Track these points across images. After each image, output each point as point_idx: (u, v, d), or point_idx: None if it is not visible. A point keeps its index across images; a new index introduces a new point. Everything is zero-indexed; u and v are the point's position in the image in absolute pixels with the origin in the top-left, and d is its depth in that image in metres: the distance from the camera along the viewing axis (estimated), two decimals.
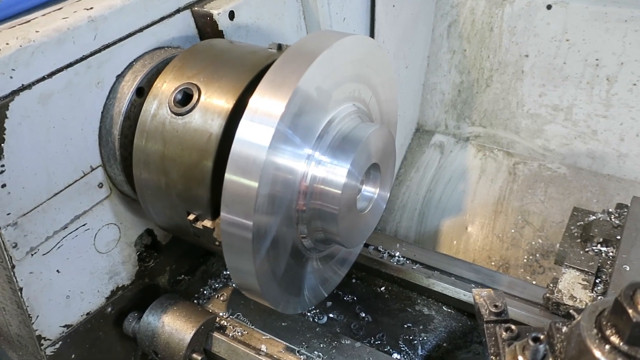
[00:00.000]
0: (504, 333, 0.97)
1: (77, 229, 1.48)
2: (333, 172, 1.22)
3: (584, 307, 1.52)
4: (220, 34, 1.66)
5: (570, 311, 0.85)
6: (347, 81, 1.33)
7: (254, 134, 1.10)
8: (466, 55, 2.81)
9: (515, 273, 2.49)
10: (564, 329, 0.88)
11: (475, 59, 2.79)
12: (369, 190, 1.40)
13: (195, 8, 1.66)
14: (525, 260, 2.52)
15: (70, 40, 1.35)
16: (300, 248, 1.33)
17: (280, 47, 1.42)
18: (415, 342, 1.70)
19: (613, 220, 1.88)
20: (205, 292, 1.92)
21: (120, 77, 1.48)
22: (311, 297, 1.53)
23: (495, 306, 1.06)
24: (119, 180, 1.51)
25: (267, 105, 1.12)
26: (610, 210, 1.95)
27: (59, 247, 1.45)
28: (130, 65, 1.50)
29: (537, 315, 1.58)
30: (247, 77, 1.29)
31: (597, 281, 1.58)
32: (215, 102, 1.28)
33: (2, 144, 1.26)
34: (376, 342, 1.71)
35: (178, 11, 1.62)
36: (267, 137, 1.09)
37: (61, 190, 1.42)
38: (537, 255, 2.52)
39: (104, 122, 1.46)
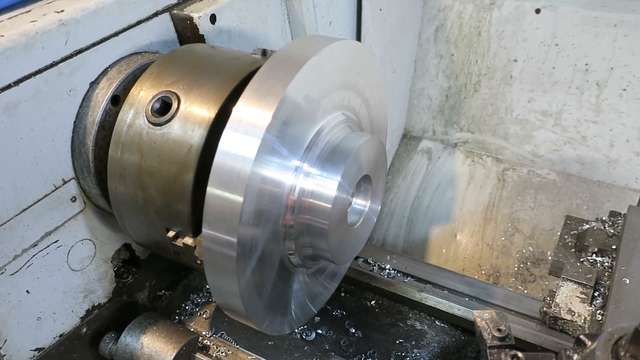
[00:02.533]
0: None
1: (48, 246, 1.39)
2: (323, 185, 1.15)
3: (583, 322, 1.46)
4: (201, 39, 1.58)
5: (581, 337, 0.79)
6: (336, 89, 1.26)
7: (239, 145, 1.02)
8: (454, 60, 2.77)
9: (506, 282, 2.44)
10: (575, 356, 0.81)
11: (463, 64, 2.75)
12: (360, 203, 1.33)
13: (175, 11, 1.58)
14: (516, 269, 2.48)
15: (39, 45, 1.26)
16: (288, 265, 1.25)
17: (265, 53, 1.35)
18: (408, 358, 1.63)
19: (607, 229, 1.84)
20: (187, 307, 1.83)
21: (94, 84, 1.39)
22: (300, 315, 1.45)
23: (499, 330, 0.99)
24: (93, 193, 1.42)
25: (252, 115, 1.04)
26: (603, 218, 1.91)
27: (28, 266, 1.35)
28: (104, 72, 1.41)
29: (534, 330, 1.52)
30: (230, 84, 1.21)
31: (596, 294, 1.53)
32: (195, 111, 1.19)
33: None
34: (367, 359, 1.64)
35: (156, 14, 1.54)
36: (252, 148, 1.01)
37: (30, 206, 1.32)
38: (528, 263, 2.47)
39: (77, 133, 1.37)
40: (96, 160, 1.37)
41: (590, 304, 1.50)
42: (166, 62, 1.33)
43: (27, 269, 1.35)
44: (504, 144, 2.77)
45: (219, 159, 1.03)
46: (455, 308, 1.63)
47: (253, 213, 1.06)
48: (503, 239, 2.58)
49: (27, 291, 1.36)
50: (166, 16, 1.57)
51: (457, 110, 2.84)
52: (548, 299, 1.53)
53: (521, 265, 2.48)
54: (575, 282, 1.54)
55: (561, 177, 2.64)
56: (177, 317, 1.78)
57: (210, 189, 1.03)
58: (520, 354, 0.91)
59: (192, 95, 1.22)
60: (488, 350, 0.96)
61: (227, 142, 1.03)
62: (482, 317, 1.03)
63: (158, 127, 1.21)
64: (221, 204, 1.02)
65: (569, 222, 1.94)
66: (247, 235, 1.05)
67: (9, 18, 1.29)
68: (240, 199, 1.01)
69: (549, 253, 2.44)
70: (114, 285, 1.61)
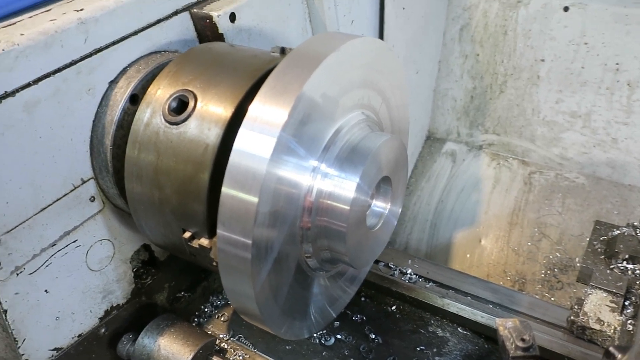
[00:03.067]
0: None
1: (67, 245, 1.38)
2: (341, 186, 1.12)
3: (612, 332, 1.40)
4: (220, 37, 1.56)
5: (610, 349, 0.74)
6: (355, 87, 1.22)
7: (254, 145, 1.00)
8: (479, 59, 2.71)
9: (532, 288, 2.37)
10: None
11: (489, 64, 2.69)
12: (380, 205, 1.29)
13: (194, 10, 1.56)
14: (542, 275, 2.40)
15: (59, 43, 1.26)
16: (305, 268, 1.23)
17: (283, 51, 1.32)
18: None
19: (639, 235, 1.77)
20: (206, 309, 1.82)
21: (113, 83, 1.38)
22: (319, 319, 1.42)
23: (523, 340, 0.95)
24: (111, 193, 1.41)
25: (268, 113, 1.02)
26: (635, 223, 1.83)
27: (47, 266, 1.35)
28: (123, 71, 1.40)
29: (561, 339, 1.46)
30: (247, 83, 1.19)
31: (626, 303, 1.46)
32: (212, 110, 1.18)
33: None
34: None
35: (176, 13, 1.53)
36: (268, 147, 0.99)
37: (49, 205, 1.32)
38: (555, 270, 2.39)
39: (96, 132, 1.37)
40: (114, 160, 1.36)
41: (621, 313, 1.43)
42: (184, 60, 1.32)
43: (45, 269, 1.35)
44: (531, 146, 2.70)
45: (234, 158, 1.01)
46: (478, 315, 1.58)
47: (268, 214, 1.03)
48: (529, 244, 2.51)
49: (45, 291, 1.36)
50: (186, 15, 1.56)
51: (482, 112, 2.78)
52: (576, 307, 1.47)
53: (548, 272, 2.40)
54: (605, 290, 1.48)
55: (590, 181, 2.56)
56: (196, 320, 1.77)
57: (225, 189, 1.01)
58: None
59: (208, 94, 1.20)
60: None
61: (243, 141, 1.01)
62: (505, 326, 0.98)
63: (174, 126, 1.20)
64: (236, 204, 1.00)
65: (598, 227, 1.87)
66: (262, 237, 1.03)
67: (30, 17, 1.30)
68: (255, 199, 0.98)
69: (577, 259, 2.36)
70: (132, 286, 1.60)
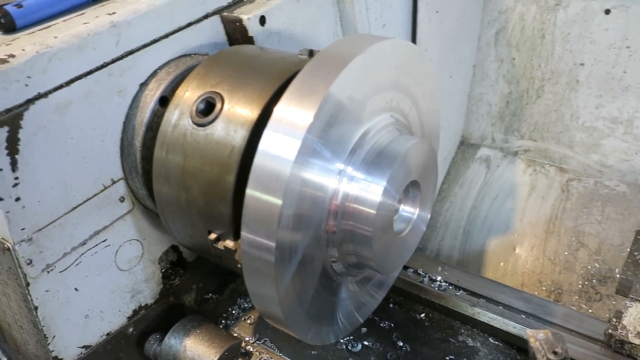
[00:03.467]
0: None
1: (96, 245, 1.41)
2: (367, 189, 1.10)
3: None
4: (250, 40, 1.57)
5: None
6: (384, 90, 1.20)
7: (279, 146, 0.99)
8: (515, 64, 2.64)
9: (568, 299, 2.29)
10: None
11: (525, 68, 2.62)
12: (408, 210, 1.26)
13: (225, 13, 1.57)
14: (580, 286, 2.32)
15: (91, 46, 1.28)
16: (331, 273, 1.21)
17: (311, 53, 1.32)
18: None
19: None
20: (234, 312, 1.82)
21: (143, 85, 1.40)
22: (346, 324, 1.40)
23: (555, 353, 0.90)
24: (141, 194, 1.43)
25: (293, 115, 1.01)
26: None
27: (77, 264, 1.37)
28: (154, 73, 1.42)
29: (598, 353, 1.40)
30: (274, 85, 1.19)
31: None
32: (239, 111, 1.17)
33: (17, 156, 1.19)
34: None
35: (206, 17, 1.54)
36: (293, 149, 0.98)
37: (80, 205, 1.34)
38: (594, 280, 2.31)
39: (126, 133, 1.39)
40: (143, 161, 1.37)
41: None
42: (212, 62, 1.33)
43: (75, 267, 1.37)
44: (569, 152, 2.61)
45: (258, 160, 1.00)
46: (510, 325, 1.53)
47: (292, 217, 1.02)
48: (566, 253, 2.42)
49: (75, 289, 1.38)
50: (216, 18, 1.57)
51: (518, 117, 2.71)
52: (614, 320, 1.41)
53: (586, 283, 2.31)
54: None
55: (632, 189, 2.46)
56: (223, 322, 1.77)
57: (249, 191, 1.00)
58: None
59: (236, 96, 1.20)
60: None
61: (267, 142, 1.00)
62: (536, 337, 0.94)
63: (202, 128, 1.20)
64: (260, 206, 0.99)
65: (639, 237, 1.79)
66: (286, 239, 1.02)
67: (64, 20, 1.32)
68: (279, 201, 0.97)
69: (617, 270, 2.27)
70: (160, 287, 1.62)
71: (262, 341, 1.55)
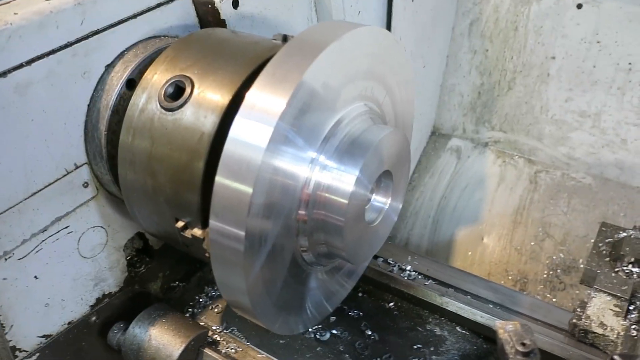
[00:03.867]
0: None
1: (58, 231, 1.36)
2: (339, 179, 1.08)
3: (615, 337, 1.36)
4: (222, 24, 1.53)
5: (615, 357, 0.71)
6: (358, 78, 1.18)
7: (250, 133, 0.96)
8: (488, 55, 2.65)
9: (534, 288, 2.33)
10: None
11: (498, 60, 2.63)
12: (380, 200, 1.25)
13: None
14: (545, 276, 2.36)
15: (54, 24, 1.22)
16: (301, 262, 1.19)
17: (285, 38, 1.28)
18: None
19: None
20: (201, 300, 1.79)
21: (109, 67, 1.35)
22: (315, 314, 1.39)
23: (523, 344, 0.91)
24: (105, 179, 1.38)
25: (265, 101, 0.98)
26: None
27: (37, 251, 1.32)
28: (121, 55, 1.37)
29: (562, 342, 1.42)
30: (246, 70, 1.16)
31: (631, 308, 1.42)
32: (209, 97, 1.14)
33: None
34: None
35: None
36: (264, 136, 0.95)
37: (40, 190, 1.29)
38: (558, 270, 2.35)
39: (90, 116, 1.34)
40: (109, 146, 1.33)
41: (625, 318, 1.39)
42: (183, 45, 1.28)
43: (35, 254, 1.32)
44: (538, 144, 2.64)
45: (229, 147, 0.98)
46: (478, 315, 1.54)
47: (263, 205, 0.99)
48: (532, 243, 2.46)
49: (35, 277, 1.33)
50: (186, 0, 1.52)
51: (489, 108, 2.73)
52: (578, 310, 1.44)
53: (551, 272, 2.36)
54: (609, 294, 1.44)
55: (598, 182, 2.51)
56: (190, 310, 1.74)
57: (218, 178, 0.97)
58: None
59: (206, 80, 1.17)
60: None
61: (238, 129, 0.98)
62: (505, 329, 0.95)
63: (170, 113, 1.16)
64: (229, 194, 0.97)
65: (604, 229, 1.82)
66: (255, 228, 0.99)
67: None
68: (249, 189, 0.95)
69: (581, 261, 2.32)
70: (125, 275, 1.58)
71: (229, 330, 1.53)
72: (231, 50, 1.25)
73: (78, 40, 1.27)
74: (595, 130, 2.50)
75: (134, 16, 1.39)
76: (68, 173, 1.34)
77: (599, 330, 1.37)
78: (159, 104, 1.18)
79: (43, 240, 1.33)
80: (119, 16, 1.35)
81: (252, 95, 0.99)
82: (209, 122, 1.11)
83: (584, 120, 2.50)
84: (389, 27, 2.22)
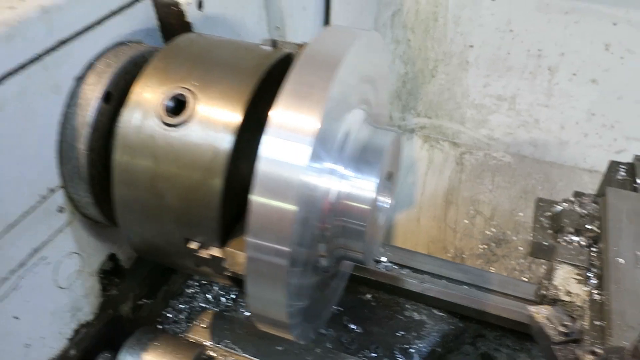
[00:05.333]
0: (589, 356, 0.91)
1: (35, 264, 1.23)
2: (360, 186, 1.10)
3: (582, 302, 1.53)
4: (187, 26, 1.45)
5: (595, 350, 0.81)
6: (360, 83, 1.20)
7: (286, 153, 0.95)
8: (411, 45, 2.78)
9: (472, 263, 2.52)
10: None
11: (420, 50, 2.76)
12: (385, 201, 1.28)
13: None
14: (480, 250, 2.56)
15: (20, 35, 1.09)
16: (319, 269, 1.20)
17: (275, 44, 1.26)
18: (411, 350, 1.63)
19: (578, 209, 1.93)
20: (169, 315, 1.72)
21: (80, 79, 1.23)
22: (324, 318, 1.41)
23: (565, 325, 1.00)
24: (84, 202, 1.27)
25: (296, 121, 0.97)
26: (571, 199, 2.00)
27: (16, 289, 1.19)
28: (91, 65, 1.25)
29: None
30: (250, 81, 1.12)
31: (589, 275, 1.60)
32: (217, 112, 1.09)
33: None
34: (372, 354, 1.62)
35: (136, 0, 1.39)
36: (303, 156, 0.95)
37: (16, 221, 1.16)
38: (492, 244, 2.56)
39: (65, 135, 1.22)
40: (90, 166, 1.22)
41: (585, 284, 1.56)
42: (169, 54, 1.21)
43: (15, 293, 1.18)
44: (461, 128, 2.83)
45: (263, 166, 0.95)
46: (456, 297, 1.65)
47: (300, 220, 0.99)
48: (465, 221, 2.65)
49: (15, 317, 1.20)
50: (147, 2, 1.42)
51: (414, 96, 2.86)
52: (545, 281, 1.59)
53: (485, 246, 2.56)
54: (571, 264, 1.60)
55: (516, 159, 2.75)
56: (160, 327, 1.67)
57: (256, 198, 0.95)
58: (598, 350, 0.92)
59: (209, 93, 1.11)
60: (554, 347, 0.97)
61: (272, 148, 0.96)
62: (540, 313, 1.03)
63: (173, 129, 1.10)
64: (270, 212, 0.95)
65: (541, 204, 2.01)
66: (295, 243, 0.98)
67: None
68: (293, 207, 0.94)
69: (509, 233, 2.54)
70: (100, 300, 1.47)
71: (222, 344, 1.48)
72: (224, 58, 1.20)
73: (47, 52, 1.15)
74: (511, 112, 2.73)
75: (99, 22, 1.28)
76: (42, 199, 1.21)
77: (567, 298, 1.53)
78: (160, 119, 1.10)
79: (22, 277, 1.20)
80: (84, 22, 1.24)
81: (279, 115, 0.97)
82: (223, 140, 1.07)
83: (501, 103, 2.73)
84: (327, 21, 2.24)
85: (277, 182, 0.94)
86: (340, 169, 1.10)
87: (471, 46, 2.66)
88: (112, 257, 1.50)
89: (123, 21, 1.35)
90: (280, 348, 1.49)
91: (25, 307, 1.22)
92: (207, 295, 1.87)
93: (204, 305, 1.83)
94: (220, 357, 1.45)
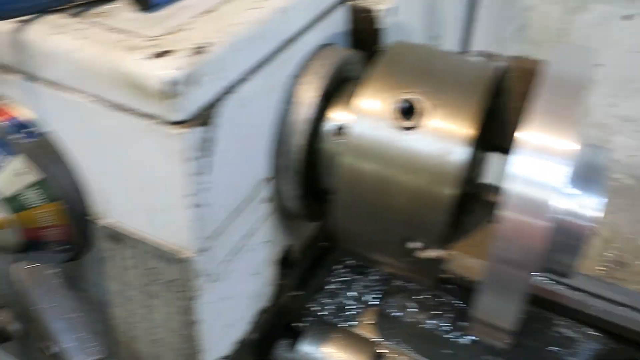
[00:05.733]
0: None
1: (243, 249, 1.30)
2: (586, 205, 1.12)
3: None
4: (375, 32, 1.50)
5: None
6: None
7: (541, 173, 0.99)
8: None
9: None
10: None
11: None
12: None
13: (354, 2, 1.48)
14: (597, 272, 2.53)
15: (266, 34, 1.16)
16: None
17: (490, 56, 1.29)
18: None
19: None
20: (316, 308, 1.77)
21: (297, 78, 1.29)
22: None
23: None
24: (289, 194, 1.34)
25: (550, 143, 1.00)
26: None
27: (231, 272, 1.26)
28: (307, 65, 1.32)
29: None
30: (476, 95, 1.16)
31: None
32: (450, 120, 1.13)
33: (210, 158, 1.06)
34: None
35: (339, 3, 1.44)
36: (558, 178, 0.98)
37: (239, 207, 1.23)
38: (611, 266, 2.53)
39: (281, 130, 1.28)
40: (304, 160, 1.28)
41: None
42: (390, 62, 1.25)
43: (230, 275, 1.26)
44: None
45: (515, 186, 0.99)
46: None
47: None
48: None
49: (226, 298, 1.28)
50: (346, 7, 1.47)
51: None
52: None
53: (602, 268, 2.53)
54: None
55: (638, 183, 2.70)
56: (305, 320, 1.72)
57: (509, 213, 0.99)
58: None
59: (438, 103, 1.15)
60: None
61: (528, 168, 0.99)
62: None
63: (405, 132, 1.14)
64: (522, 228, 0.99)
65: None
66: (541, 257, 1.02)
67: (222, 3, 1.17)
68: (547, 225, 0.98)
69: (630, 257, 2.51)
70: (275, 288, 1.53)
71: (394, 342, 1.52)
72: (445, 67, 1.25)
73: (279, 50, 1.22)
74: (636, 135, 2.69)
75: (312, 23, 1.34)
76: (258, 188, 1.28)
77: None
78: (391, 123, 1.15)
79: (232, 260, 1.27)
80: (304, 22, 1.30)
81: (531, 136, 1.01)
82: (458, 150, 1.10)
83: (626, 124, 2.69)
84: (469, 31, 2.26)
85: (531, 201, 0.98)
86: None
87: (600, 65, 2.63)
88: (288, 249, 1.56)
89: (327, 24, 1.40)
90: (449, 351, 1.52)
91: (233, 289, 1.30)
92: (347, 292, 1.92)
93: (347, 302, 1.87)
94: (394, 355, 1.49)
